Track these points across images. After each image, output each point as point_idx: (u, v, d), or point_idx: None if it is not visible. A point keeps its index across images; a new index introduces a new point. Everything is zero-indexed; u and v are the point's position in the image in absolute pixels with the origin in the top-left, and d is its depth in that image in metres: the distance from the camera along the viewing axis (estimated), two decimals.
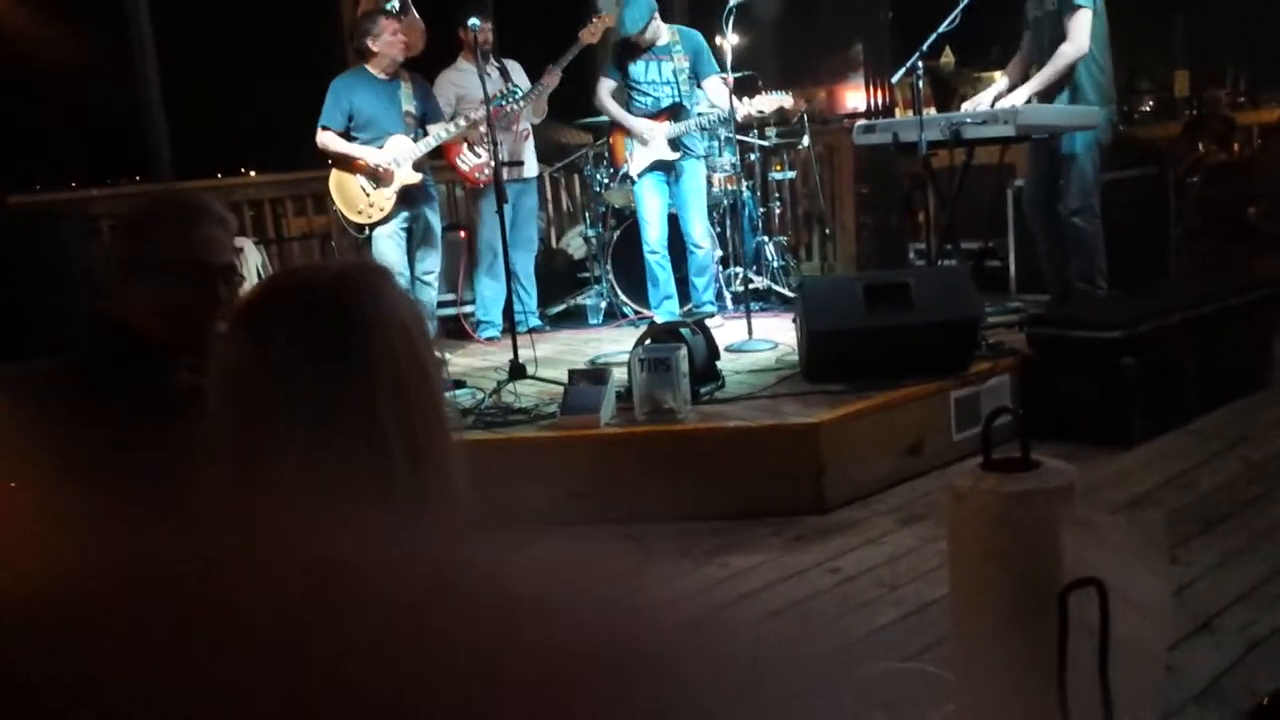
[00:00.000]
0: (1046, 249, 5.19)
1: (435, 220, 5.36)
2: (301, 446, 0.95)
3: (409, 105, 5.18)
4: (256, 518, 0.65)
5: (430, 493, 0.99)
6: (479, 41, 5.21)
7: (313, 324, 0.98)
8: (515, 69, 5.67)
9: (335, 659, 0.39)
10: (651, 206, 5.52)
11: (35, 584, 0.43)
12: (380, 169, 5.07)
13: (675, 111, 5.43)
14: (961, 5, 4.69)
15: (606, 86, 5.53)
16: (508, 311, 5.04)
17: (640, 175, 5.48)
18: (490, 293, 5.79)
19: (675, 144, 5.44)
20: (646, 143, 5.42)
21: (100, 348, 1.85)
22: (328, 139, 5.10)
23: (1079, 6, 4.68)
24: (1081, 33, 4.69)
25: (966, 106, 4.97)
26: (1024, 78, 4.96)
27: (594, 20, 5.58)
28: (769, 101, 5.40)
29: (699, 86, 5.49)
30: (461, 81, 5.64)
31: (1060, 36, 4.77)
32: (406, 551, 0.50)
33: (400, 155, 5.08)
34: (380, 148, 5.08)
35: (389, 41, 5.08)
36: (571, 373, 4.02)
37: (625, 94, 5.51)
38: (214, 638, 0.39)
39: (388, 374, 0.98)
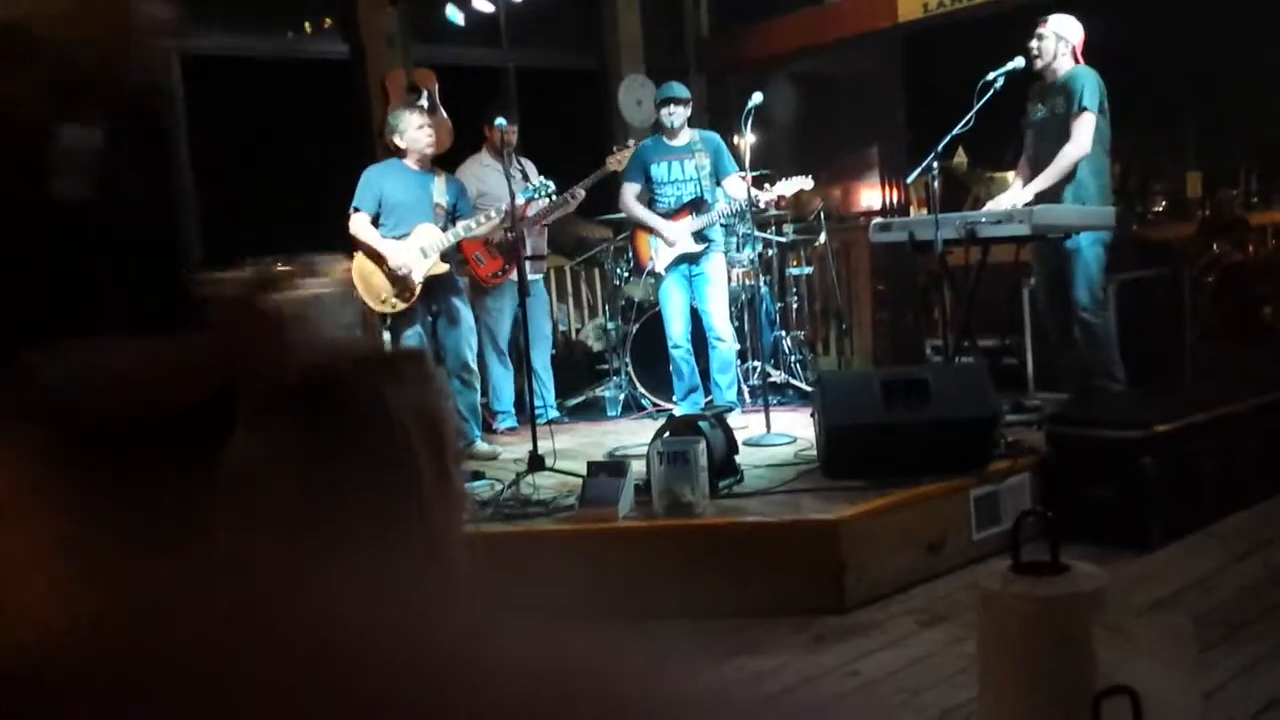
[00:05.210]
0: (1060, 346, 5.23)
1: (463, 309, 5.25)
2: (312, 527, 0.94)
3: (440, 198, 5.16)
4: (270, 589, 0.65)
5: (444, 582, 0.98)
6: (504, 141, 5.32)
7: (317, 415, 0.97)
8: (530, 168, 5.79)
9: None
10: (675, 302, 5.64)
11: (37, 630, 0.42)
12: (398, 271, 5.01)
13: (697, 205, 5.58)
14: (975, 108, 4.83)
15: (630, 191, 5.70)
16: (524, 403, 5.02)
17: (667, 270, 5.58)
18: (502, 381, 5.82)
19: (699, 236, 5.56)
20: (672, 244, 5.54)
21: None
22: (360, 223, 5.06)
23: (1085, 110, 4.87)
24: (1086, 135, 4.90)
25: (989, 207, 5.07)
26: (1034, 178, 5.06)
27: (617, 150, 5.83)
28: (789, 186, 5.54)
29: (719, 185, 5.64)
30: (484, 176, 5.76)
31: (1066, 137, 4.90)
32: (413, 635, 0.50)
33: (428, 244, 5.04)
34: (406, 235, 5.04)
35: (414, 136, 5.11)
36: (590, 465, 4.03)
37: (648, 195, 5.68)
38: (214, 708, 0.39)
39: (401, 465, 0.97)
